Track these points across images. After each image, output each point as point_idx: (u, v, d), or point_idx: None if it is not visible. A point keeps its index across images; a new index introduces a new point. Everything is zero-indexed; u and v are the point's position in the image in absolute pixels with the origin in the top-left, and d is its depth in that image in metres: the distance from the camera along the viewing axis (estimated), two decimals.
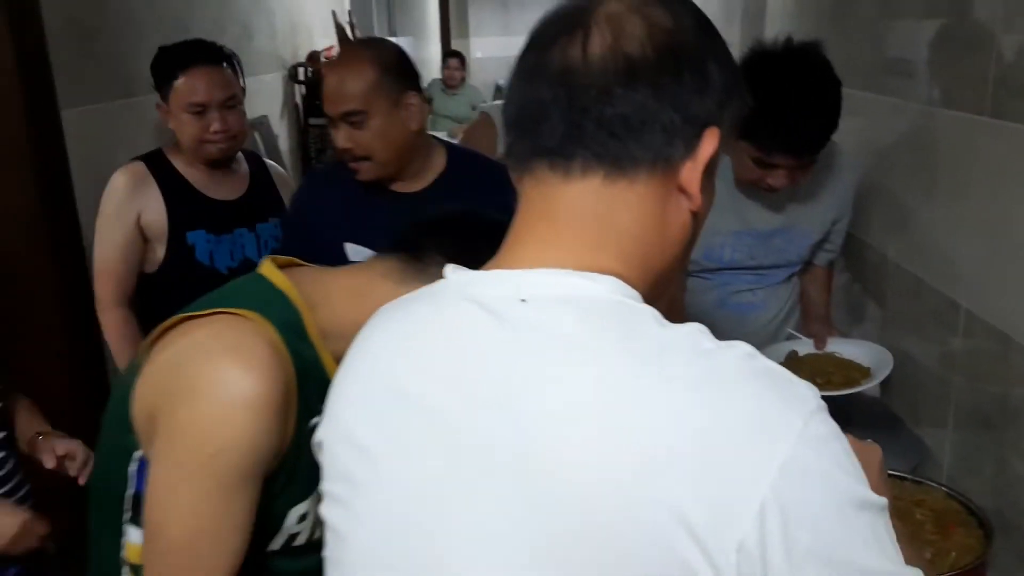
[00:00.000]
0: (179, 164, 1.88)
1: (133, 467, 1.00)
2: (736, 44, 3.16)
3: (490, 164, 1.76)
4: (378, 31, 6.61)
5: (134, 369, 1.01)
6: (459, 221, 1.09)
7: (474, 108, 5.88)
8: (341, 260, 1.68)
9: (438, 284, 0.73)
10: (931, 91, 1.63)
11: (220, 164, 1.90)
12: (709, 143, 0.66)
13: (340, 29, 4.18)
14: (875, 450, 0.76)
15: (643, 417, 0.57)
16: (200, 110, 1.80)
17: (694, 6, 0.70)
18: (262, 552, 1.01)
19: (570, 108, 0.64)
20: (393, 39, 6.42)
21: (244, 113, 1.91)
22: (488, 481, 0.62)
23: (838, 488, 0.57)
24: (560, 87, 0.65)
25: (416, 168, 1.66)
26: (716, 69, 0.67)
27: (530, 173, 0.68)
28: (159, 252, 1.86)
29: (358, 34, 4.52)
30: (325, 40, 4.57)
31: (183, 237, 1.85)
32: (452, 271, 0.72)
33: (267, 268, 1.05)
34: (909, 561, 0.59)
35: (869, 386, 1.62)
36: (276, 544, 1.03)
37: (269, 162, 2.12)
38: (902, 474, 1.37)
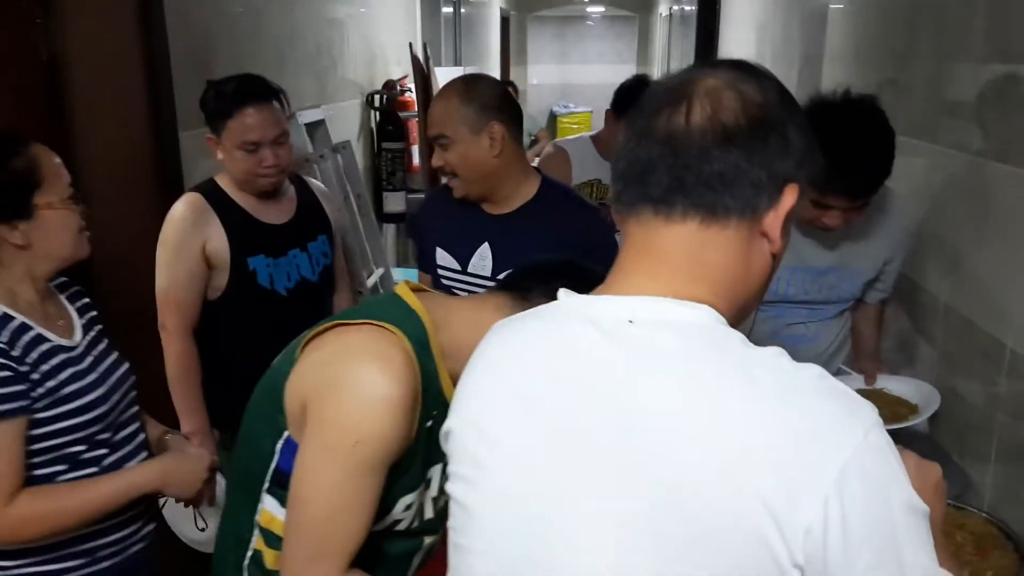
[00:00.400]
0: (232, 192, 1.95)
1: (279, 444, 1.17)
2: (794, 87, 3.29)
3: (575, 199, 1.93)
4: (445, 60, 6.84)
5: (287, 361, 1.18)
6: (562, 268, 1.25)
7: (529, 135, 6.06)
8: (432, 261, 1.91)
9: (550, 305, 0.88)
10: (985, 143, 1.74)
11: (271, 194, 1.98)
12: (789, 197, 0.81)
13: (416, 60, 4.40)
14: (934, 467, 0.89)
15: (734, 421, 0.71)
16: (253, 148, 1.88)
17: (777, 81, 0.85)
18: (368, 534, 1.17)
19: (674, 165, 0.79)
20: (459, 68, 6.68)
21: (291, 145, 1.99)
22: (595, 470, 0.75)
23: (890, 490, 0.70)
24: (666, 147, 0.80)
25: (506, 192, 1.83)
26: (796, 135, 0.81)
27: (636, 216, 0.82)
28: (221, 279, 1.93)
29: (432, 64, 4.73)
30: (400, 69, 4.80)
31: (244, 263, 1.93)
32: (565, 294, 0.87)
33: (403, 290, 1.22)
34: (945, 566, 0.72)
35: (915, 423, 1.72)
36: (380, 526, 1.19)
37: (312, 181, 2.21)
38: (946, 501, 1.48)
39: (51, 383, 1.35)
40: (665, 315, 0.78)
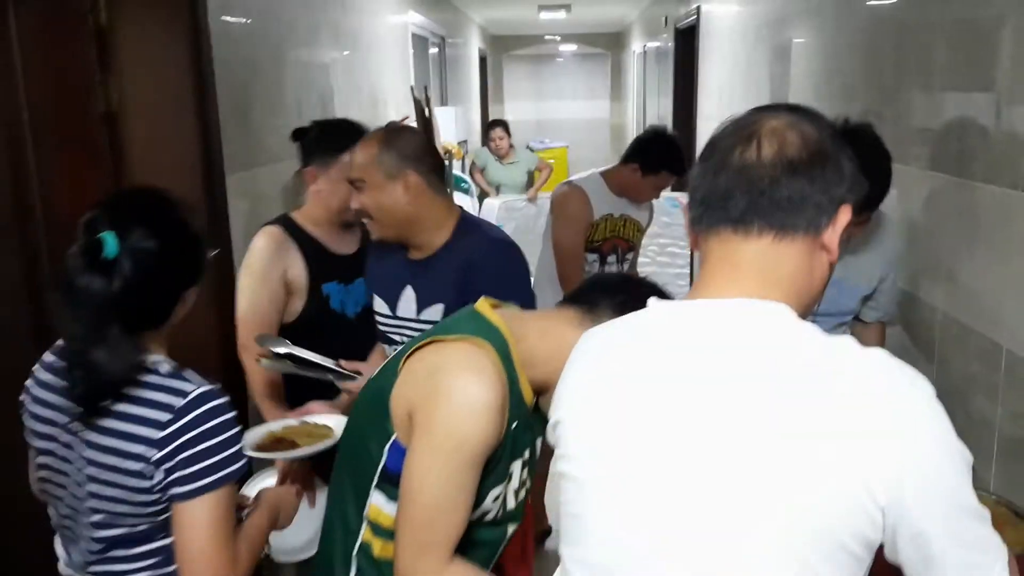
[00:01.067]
0: (307, 225, 2.12)
1: (387, 447, 1.33)
2: None
3: (488, 236, 1.93)
4: (433, 100, 7.06)
5: (390, 374, 1.34)
6: (623, 283, 1.42)
7: (529, 172, 6.27)
8: (371, 306, 2.03)
9: (641, 312, 1.06)
10: (972, 168, 1.95)
11: (349, 226, 2.16)
12: (844, 215, 0.99)
13: (417, 102, 4.60)
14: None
15: (818, 395, 0.88)
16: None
17: (828, 121, 1.03)
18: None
19: (750, 191, 0.97)
20: (447, 107, 6.90)
21: None
22: (705, 449, 0.91)
23: (953, 449, 0.88)
24: (741, 177, 0.97)
25: (425, 238, 1.88)
26: (846, 164, 1.00)
27: (716, 235, 0.99)
28: (298, 304, 2.09)
29: (432, 106, 4.93)
30: (397, 111, 5.00)
31: (319, 289, 2.08)
32: (655, 301, 1.05)
33: (483, 307, 1.39)
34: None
35: None
36: (473, 517, 1.35)
37: None
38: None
39: None
40: (758, 319, 0.95)
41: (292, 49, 3.19)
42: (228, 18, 2.46)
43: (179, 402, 1.26)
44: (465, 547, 1.33)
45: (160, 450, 1.24)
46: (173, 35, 2.28)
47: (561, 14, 10.21)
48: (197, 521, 1.25)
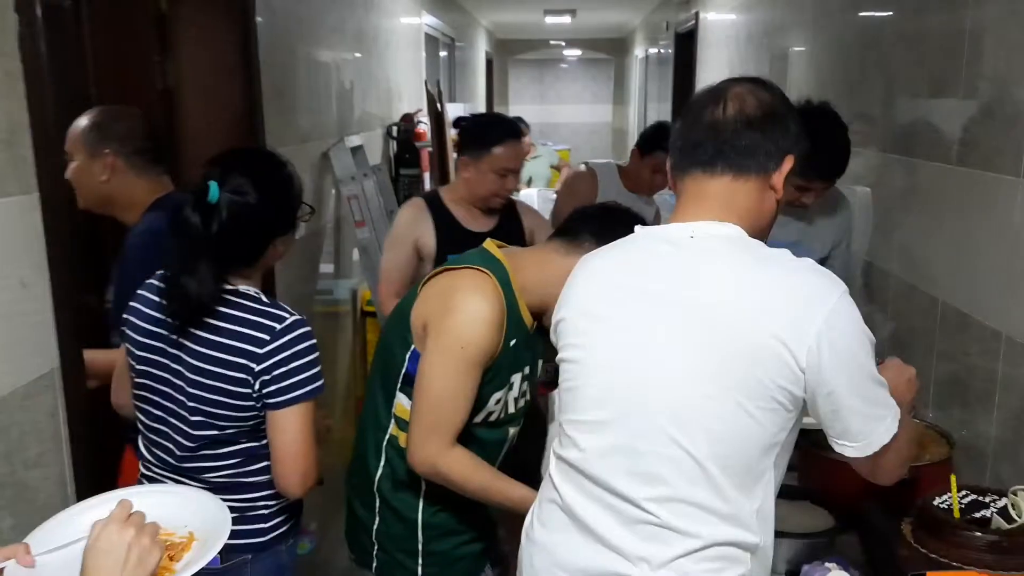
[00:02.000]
0: (449, 203, 2.51)
1: (407, 354, 1.63)
2: None
3: (139, 229, 1.97)
4: (444, 97, 7.35)
5: (412, 296, 1.65)
6: (600, 213, 1.72)
7: (552, 166, 6.78)
8: None
9: (631, 236, 1.36)
10: (916, 148, 2.25)
11: (490, 210, 2.52)
12: (788, 162, 1.29)
13: (430, 95, 4.91)
14: (909, 368, 1.36)
15: (761, 288, 1.19)
16: (505, 173, 2.41)
17: (780, 90, 1.34)
18: (469, 423, 1.62)
19: (715, 141, 1.27)
20: (456, 104, 7.21)
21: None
22: (674, 325, 1.22)
23: (859, 330, 1.18)
24: (711, 131, 1.28)
25: (123, 218, 2.05)
26: (792, 124, 1.30)
27: (690, 176, 1.30)
28: (428, 268, 2.41)
29: (444, 100, 5.23)
30: (408, 105, 5.30)
31: (444, 258, 2.26)
32: (641, 229, 1.35)
33: (489, 245, 1.69)
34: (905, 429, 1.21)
35: None
36: (478, 418, 1.65)
37: (519, 200, 2.75)
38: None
39: None
40: (713, 231, 1.26)
41: (321, 43, 3.49)
42: (267, 14, 2.75)
43: (278, 326, 1.54)
44: (470, 445, 1.63)
45: (260, 364, 1.52)
46: (225, 22, 2.58)
47: (566, 19, 10.52)
48: (290, 426, 1.53)
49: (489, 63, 12.35)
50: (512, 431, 1.75)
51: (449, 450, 1.58)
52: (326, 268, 3.50)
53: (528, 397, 1.75)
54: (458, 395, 1.57)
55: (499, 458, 1.75)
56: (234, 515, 1.23)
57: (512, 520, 1.86)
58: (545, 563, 1.32)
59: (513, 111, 15.89)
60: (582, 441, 1.30)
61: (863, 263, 2.59)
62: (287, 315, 1.56)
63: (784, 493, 1.63)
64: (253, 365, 1.52)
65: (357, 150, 3.69)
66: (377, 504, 1.71)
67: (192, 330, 1.55)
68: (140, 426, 1.67)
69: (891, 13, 2.49)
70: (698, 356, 1.20)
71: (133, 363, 1.64)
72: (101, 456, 1.73)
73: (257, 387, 1.52)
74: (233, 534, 1.19)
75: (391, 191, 4.15)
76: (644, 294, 1.26)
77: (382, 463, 1.70)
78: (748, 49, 4.61)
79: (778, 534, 1.40)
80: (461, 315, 1.56)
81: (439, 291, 1.62)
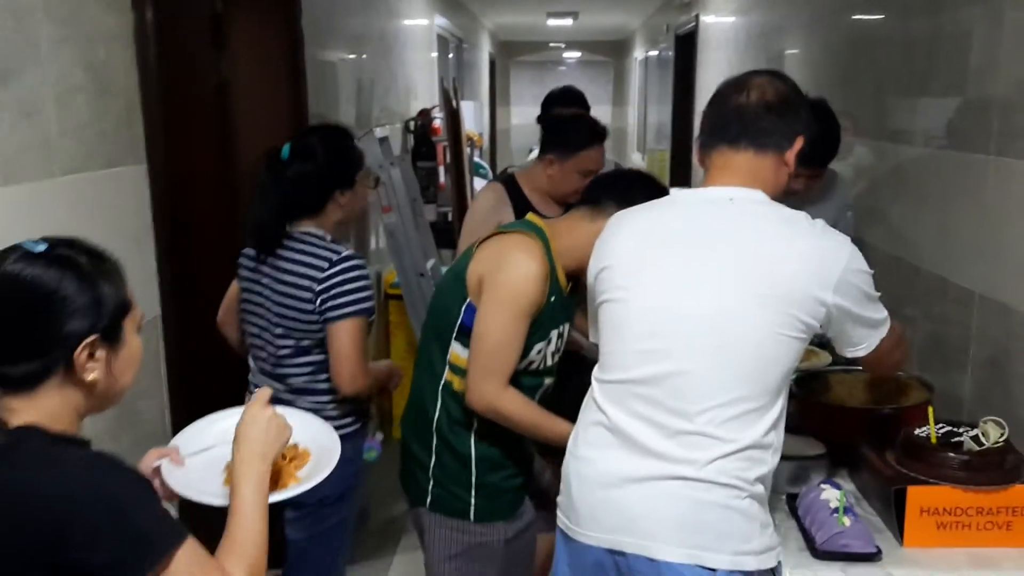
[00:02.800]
0: (525, 189, 2.66)
1: (463, 307, 1.88)
2: None
3: None
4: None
5: (467, 256, 1.90)
6: (620, 179, 1.97)
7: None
8: None
9: (669, 197, 1.62)
10: (902, 136, 2.52)
11: (565, 204, 2.61)
12: (799, 142, 1.55)
13: (445, 92, 5.16)
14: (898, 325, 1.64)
15: (793, 243, 1.46)
16: (588, 174, 2.51)
17: (795, 83, 1.60)
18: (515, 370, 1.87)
19: (740, 122, 1.53)
20: (465, 102, 7.47)
21: None
22: (718, 269, 1.47)
23: (865, 271, 1.47)
24: (735, 113, 1.54)
25: None
26: (803, 111, 1.57)
27: (718, 151, 1.56)
28: None
29: (460, 97, 5.49)
30: (420, 103, 5.57)
31: None
32: (677, 191, 1.61)
33: (531, 216, 1.95)
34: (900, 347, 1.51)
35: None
36: (521, 366, 1.90)
37: None
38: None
39: None
40: (744, 195, 1.52)
41: (351, 45, 3.75)
42: (308, 20, 3.01)
43: (334, 257, 1.97)
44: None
45: (320, 285, 1.95)
46: (275, 26, 2.83)
47: (568, 21, 10.81)
48: (343, 335, 1.96)
49: (492, 64, 12.62)
50: (548, 381, 2.00)
51: (504, 390, 1.82)
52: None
53: (561, 353, 2.00)
54: (512, 342, 1.82)
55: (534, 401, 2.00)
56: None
57: (545, 458, 2.13)
58: (593, 473, 1.57)
59: (515, 112, 16.17)
60: (634, 367, 1.54)
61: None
62: (343, 250, 1.99)
63: (788, 428, 1.92)
64: (315, 286, 1.94)
65: (383, 141, 3.95)
66: (435, 443, 1.94)
67: (270, 259, 1.98)
68: (247, 340, 2.10)
69: (881, 16, 2.75)
70: (743, 295, 1.46)
71: (241, 291, 2.09)
72: (197, 394, 1.99)
73: (318, 304, 1.95)
74: None
75: (414, 180, 4.40)
76: (694, 243, 1.52)
77: (439, 406, 1.94)
78: (747, 50, 4.87)
79: (784, 458, 1.68)
80: (514, 271, 1.81)
81: (493, 252, 1.87)
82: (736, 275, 1.47)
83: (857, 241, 2.81)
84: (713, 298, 1.48)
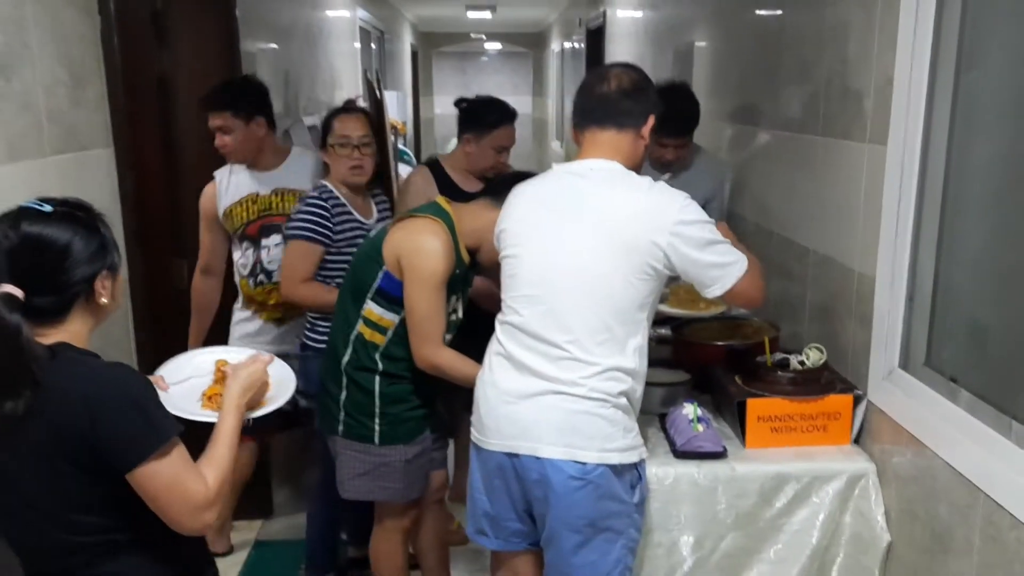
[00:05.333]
0: (448, 169, 2.98)
1: (380, 274, 2.23)
2: None
3: None
4: None
5: (382, 233, 2.26)
6: (515, 177, 2.35)
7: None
8: None
9: (549, 171, 2.01)
10: (769, 120, 2.96)
11: (483, 177, 2.95)
12: (651, 120, 1.95)
13: (369, 83, 5.46)
14: (723, 224, 2.05)
15: (634, 202, 1.85)
16: (502, 150, 2.90)
17: (643, 71, 2.00)
18: None
19: (603, 106, 1.92)
20: (388, 91, 7.75)
21: None
22: (579, 228, 1.85)
23: (698, 218, 1.85)
24: (600, 100, 1.93)
25: None
26: (652, 93, 1.97)
27: (588, 131, 1.94)
28: None
29: (383, 87, 5.79)
30: (352, 92, 5.85)
31: None
32: (557, 165, 2.00)
33: (440, 199, 2.31)
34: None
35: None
36: None
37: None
38: (747, 316, 2.67)
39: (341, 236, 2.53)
40: (606, 165, 1.91)
41: (277, 37, 4.04)
42: (237, 13, 3.29)
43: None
44: None
45: None
46: (211, 19, 3.11)
47: (487, 14, 11.15)
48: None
49: (414, 55, 12.88)
50: (448, 336, 2.37)
51: (440, 349, 2.20)
52: None
53: (459, 314, 2.37)
54: (437, 310, 2.19)
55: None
56: None
57: (450, 397, 2.50)
58: (495, 393, 1.94)
59: (437, 102, 16.44)
60: (521, 310, 1.93)
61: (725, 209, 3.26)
62: None
63: (664, 363, 2.34)
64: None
65: (312, 128, 4.25)
66: (344, 381, 2.31)
67: None
68: None
69: (778, 12, 3.04)
70: (598, 248, 1.84)
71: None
72: (156, 344, 2.29)
73: None
74: None
75: None
76: (563, 207, 1.91)
77: (349, 351, 2.29)
78: (652, 44, 5.31)
79: (655, 384, 2.10)
80: (428, 252, 2.16)
81: (405, 235, 2.21)
82: (593, 231, 1.85)
83: (729, 211, 3.33)
84: (577, 251, 1.86)
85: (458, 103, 3.10)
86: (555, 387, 1.86)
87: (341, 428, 2.33)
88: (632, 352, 1.88)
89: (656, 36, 5.09)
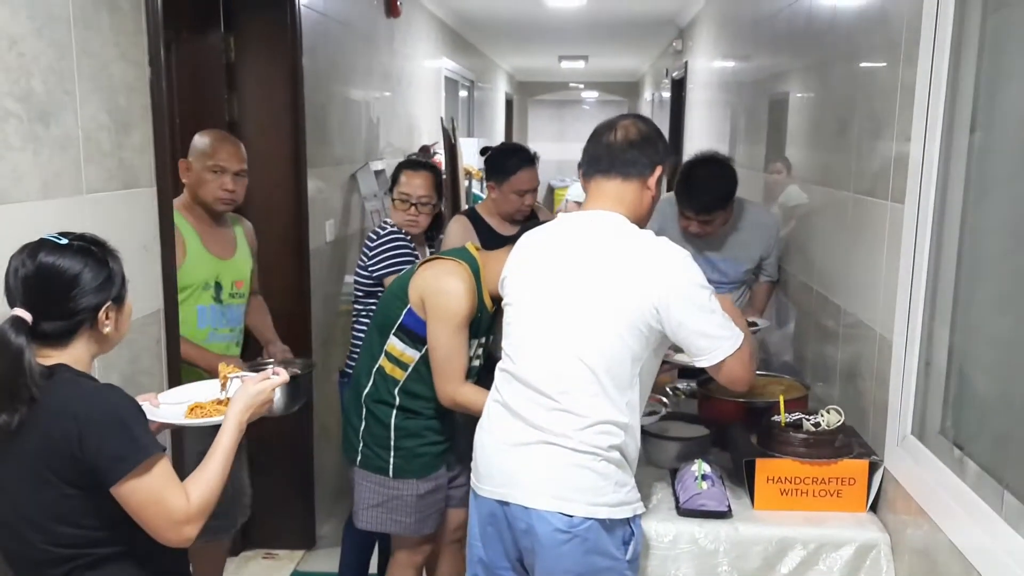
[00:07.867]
0: (484, 216, 3.14)
1: (404, 311, 2.31)
2: (761, 159, 4.46)
3: None
4: (461, 133, 8.11)
5: (409, 274, 2.34)
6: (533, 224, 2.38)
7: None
8: None
9: (555, 220, 2.04)
10: (818, 177, 2.91)
11: (514, 220, 3.10)
12: (659, 170, 1.96)
13: (445, 131, 5.64)
14: (727, 300, 2.02)
15: (630, 257, 1.85)
16: (523, 194, 3.05)
17: (652, 122, 2.01)
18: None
19: (610, 156, 1.95)
20: (473, 138, 7.95)
21: None
22: (574, 279, 1.87)
23: (695, 281, 1.83)
24: (607, 149, 1.95)
25: None
26: (661, 144, 1.98)
27: (594, 180, 1.97)
28: None
29: (459, 135, 5.96)
30: (428, 137, 6.05)
31: None
32: (563, 214, 2.02)
33: (470, 246, 2.37)
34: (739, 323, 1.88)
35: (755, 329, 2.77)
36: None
37: (539, 206, 3.37)
38: (778, 375, 2.61)
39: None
40: (605, 218, 1.92)
41: (354, 83, 4.23)
42: (310, 59, 3.48)
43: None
44: None
45: None
46: (279, 69, 3.31)
47: (580, 64, 11.32)
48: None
49: (509, 103, 13.15)
50: (471, 380, 2.41)
51: (461, 386, 2.25)
52: (350, 275, 4.20)
53: (481, 360, 2.41)
54: (459, 350, 2.25)
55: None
56: None
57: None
58: (490, 440, 1.97)
59: (533, 147, 16.67)
60: (517, 358, 1.95)
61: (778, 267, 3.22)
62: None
63: (686, 418, 2.32)
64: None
65: (379, 173, 4.41)
66: (364, 412, 2.39)
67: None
68: None
69: (822, 65, 3.08)
70: (591, 302, 1.85)
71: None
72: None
73: None
74: None
75: None
76: (560, 259, 1.93)
77: (370, 383, 2.38)
78: (720, 93, 5.29)
79: (671, 439, 2.09)
80: (451, 294, 2.24)
81: (431, 274, 2.30)
82: (587, 284, 1.86)
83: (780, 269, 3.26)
84: (570, 303, 1.88)
85: (483, 152, 3.23)
86: (547, 437, 1.86)
87: (359, 458, 2.41)
88: (625, 406, 1.87)
89: (724, 87, 5.07)
